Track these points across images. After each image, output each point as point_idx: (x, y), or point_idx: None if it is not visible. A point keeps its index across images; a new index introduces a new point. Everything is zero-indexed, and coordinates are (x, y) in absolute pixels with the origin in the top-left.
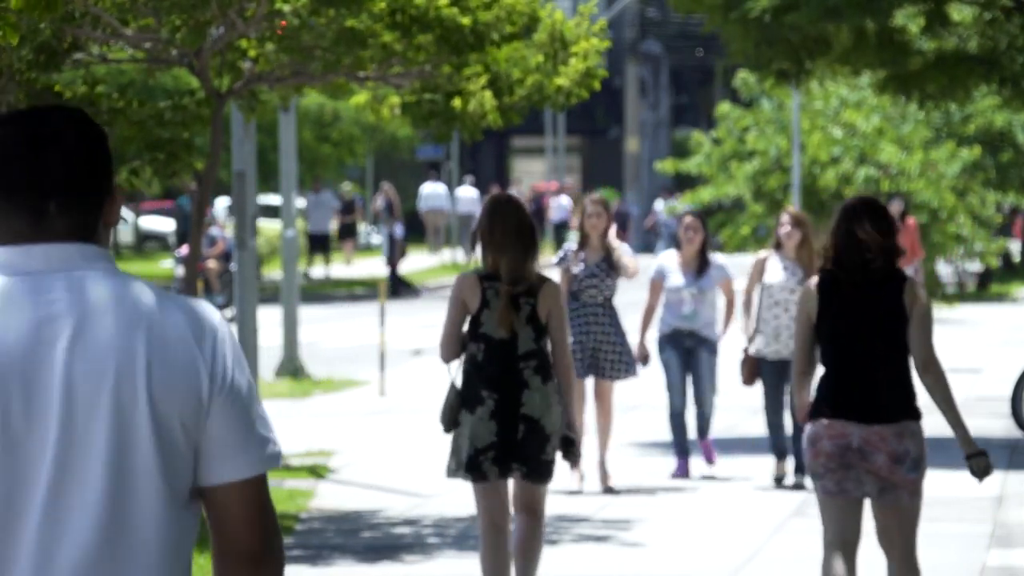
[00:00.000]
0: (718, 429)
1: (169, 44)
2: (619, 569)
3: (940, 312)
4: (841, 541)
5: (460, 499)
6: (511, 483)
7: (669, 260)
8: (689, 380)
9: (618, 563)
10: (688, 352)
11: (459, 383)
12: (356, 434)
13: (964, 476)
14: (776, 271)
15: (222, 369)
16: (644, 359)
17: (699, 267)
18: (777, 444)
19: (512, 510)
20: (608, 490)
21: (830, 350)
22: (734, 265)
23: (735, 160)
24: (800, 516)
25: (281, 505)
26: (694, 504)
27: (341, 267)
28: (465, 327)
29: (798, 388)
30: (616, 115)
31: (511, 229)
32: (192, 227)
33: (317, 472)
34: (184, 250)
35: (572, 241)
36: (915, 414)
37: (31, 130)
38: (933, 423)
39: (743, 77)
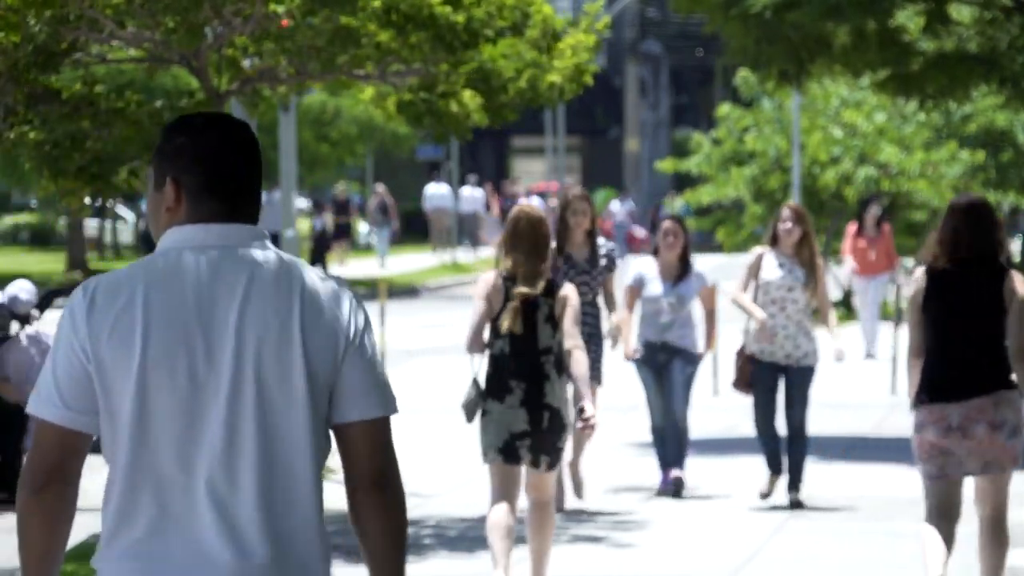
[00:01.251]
0: (718, 429)
1: (167, 43)
2: (618, 569)
3: None
4: (941, 517)
5: (460, 499)
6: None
7: (648, 267)
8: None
9: (617, 563)
10: (662, 366)
11: (481, 377)
12: None
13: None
14: (772, 268)
15: (354, 330)
16: (630, 356)
17: (679, 274)
18: (770, 456)
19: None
20: (576, 501)
21: (931, 337)
22: (733, 266)
23: (734, 162)
24: (800, 516)
25: None
26: (694, 504)
27: (335, 267)
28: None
29: (910, 372)
30: (616, 115)
31: (528, 238)
32: None
33: None
34: None
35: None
36: (1010, 384)
37: (229, 135)
38: None
39: (744, 76)
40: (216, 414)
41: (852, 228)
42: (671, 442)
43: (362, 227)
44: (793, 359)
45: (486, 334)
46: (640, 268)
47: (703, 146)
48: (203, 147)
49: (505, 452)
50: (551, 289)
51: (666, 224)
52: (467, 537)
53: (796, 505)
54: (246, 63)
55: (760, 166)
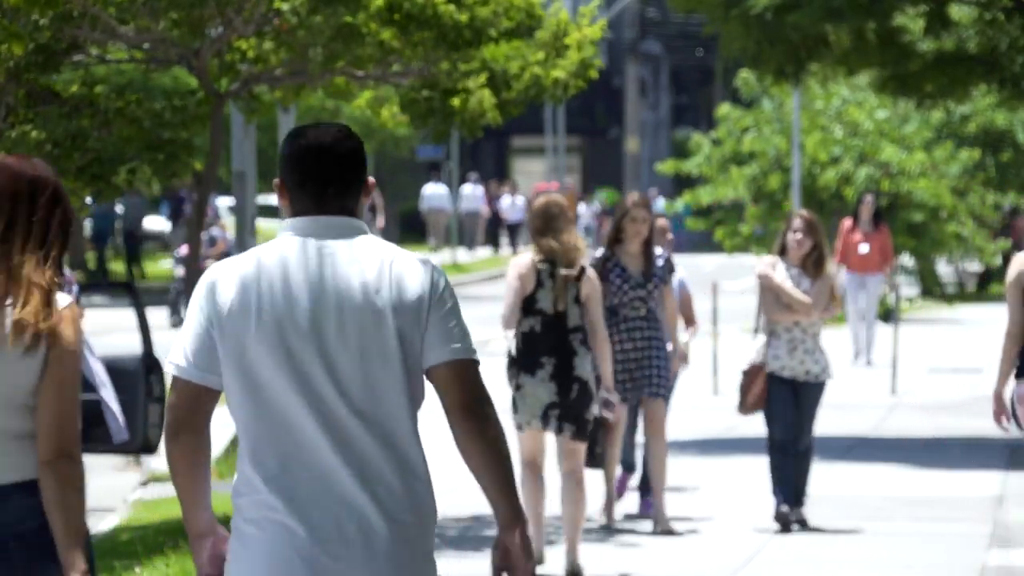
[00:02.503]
0: (717, 429)
1: (168, 43)
2: (619, 569)
3: (940, 312)
4: None
5: (459, 499)
6: (553, 440)
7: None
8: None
9: (618, 563)
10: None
11: (514, 351)
12: None
13: (964, 476)
14: (783, 279)
15: (435, 292)
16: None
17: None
18: (784, 484)
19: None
20: (667, 531)
21: None
22: (734, 267)
23: (734, 162)
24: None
25: None
26: (693, 504)
27: None
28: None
29: (1006, 348)
30: (616, 115)
31: (561, 222)
32: (192, 227)
33: None
34: (184, 250)
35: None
36: None
37: (316, 142)
38: (937, 424)
39: (744, 77)
40: (320, 369)
41: (847, 223)
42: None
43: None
44: (812, 375)
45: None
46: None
47: (703, 147)
48: (298, 153)
49: (542, 421)
50: (581, 272)
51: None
52: (467, 537)
53: (802, 523)
54: (244, 67)
55: (760, 166)
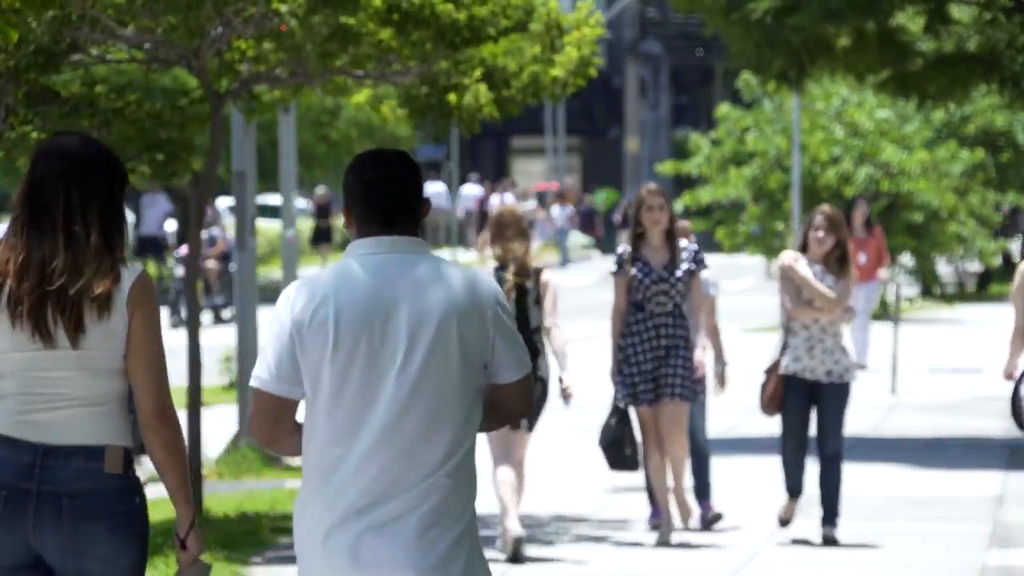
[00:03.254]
0: (718, 429)
1: (167, 44)
2: (619, 569)
3: (940, 312)
4: None
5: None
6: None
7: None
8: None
9: (618, 563)
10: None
11: None
12: None
13: (964, 476)
14: (805, 274)
15: (498, 317)
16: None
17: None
18: (791, 478)
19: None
20: (664, 543)
21: None
22: (733, 266)
23: (734, 163)
24: (800, 516)
25: (282, 505)
26: (693, 504)
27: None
28: None
29: (1012, 348)
30: (616, 115)
31: (513, 230)
32: (192, 227)
33: None
34: (184, 250)
35: (624, 244)
36: None
37: (381, 172)
38: (937, 424)
39: (746, 79)
40: (392, 388)
41: None
42: (697, 467)
43: None
44: (834, 375)
45: None
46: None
47: (702, 148)
48: (364, 186)
49: None
50: (537, 275)
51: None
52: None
53: (831, 542)
54: (244, 67)
55: (760, 166)
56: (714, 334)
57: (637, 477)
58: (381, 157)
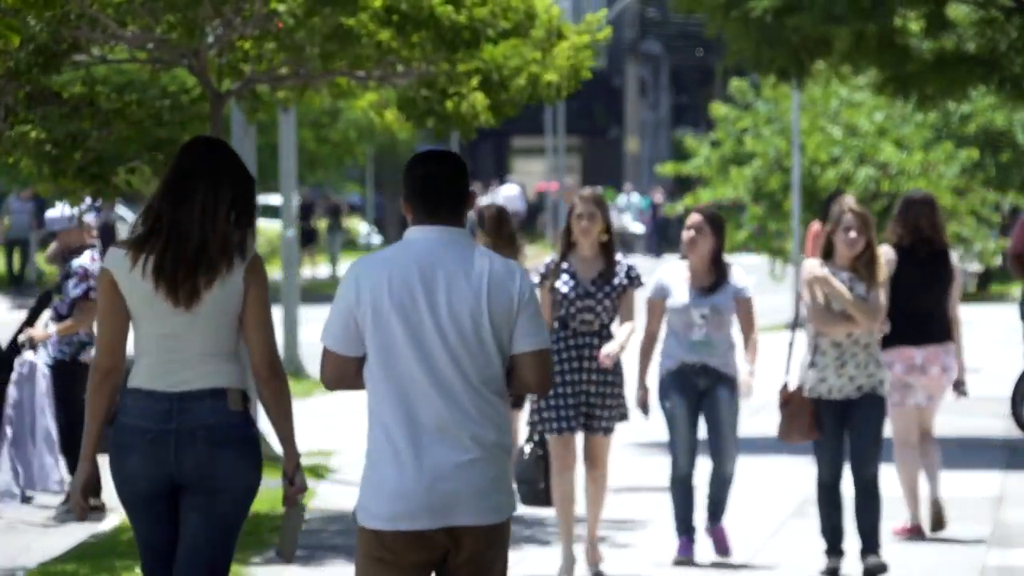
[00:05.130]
0: None
1: (168, 44)
2: (619, 569)
3: None
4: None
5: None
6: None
7: (673, 273)
8: (697, 429)
9: (618, 563)
10: (701, 395)
11: None
12: (356, 434)
13: (964, 476)
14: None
15: (523, 295)
16: (644, 406)
17: (713, 281)
18: (833, 530)
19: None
20: (597, 574)
21: None
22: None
23: (734, 163)
24: (800, 516)
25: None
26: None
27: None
28: None
29: None
30: (616, 115)
31: (492, 228)
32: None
33: (317, 472)
34: None
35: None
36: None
37: (433, 167)
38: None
39: (737, 84)
40: (433, 349)
41: (815, 227)
42: (711, 489)
43: (362, 227)
44: (866, 389)
45: None
46: (664, 274)
47: (699, 149)
48: (420, 180)
49: None
50: None
51: (691, 218)
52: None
53: (878, 570)
54: (247, 67)
55: (760, 166)
56: (752, 350)
57: (639, 477)
58: (432, 156)
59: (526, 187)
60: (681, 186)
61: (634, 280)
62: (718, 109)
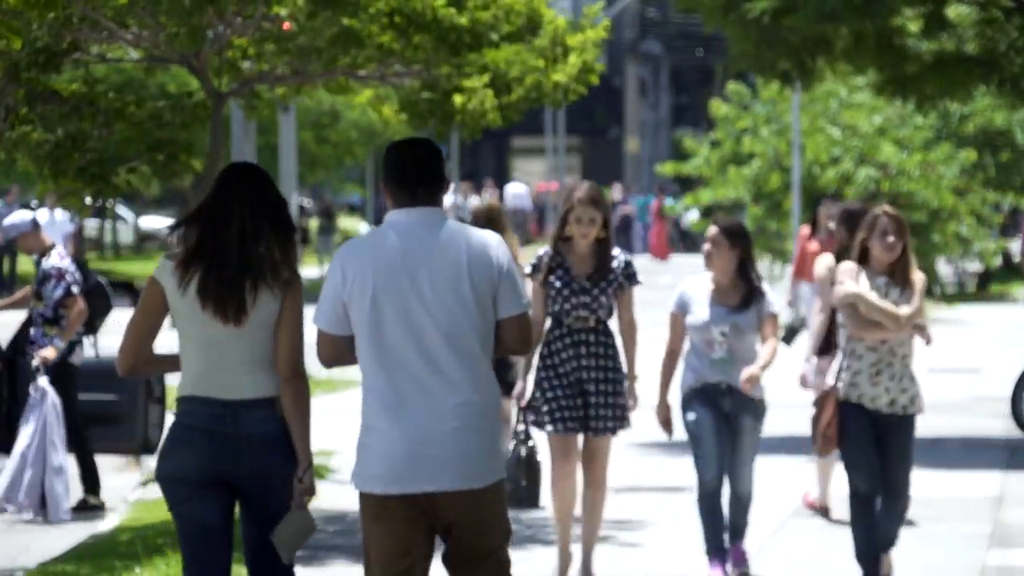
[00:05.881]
0: None
1: (168, 45)
2: (619, 569)
3: (940, 312)
4: None
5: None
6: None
7: (696, 287)
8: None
9: (618, 563)
10: (726, 417)
11: None
12: (356, 434)
13: (964, 476)
14: (868, 290)
15: (502, 265)
16: (666, 424)
17: (741, 298)
18: (864, 555)
19: None
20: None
21: None
22: None
23: (734, 163)
24: (800, 516)
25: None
26: (692, 504)
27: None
28: None
29: None
30: (616, 115)
31: (495, 230)
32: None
33: (317, 472)
34: None
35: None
36: None
37: (408, 153)
38: (937, 424)
39: (735, 88)
40: (418, 322)
41: (804, 230)
42: (735, 508)
43: (362, 228)
44: (899, 406)
45: None
46: (687, 287)
47: (698, 151)
48: (398, 164)
49: None
50: None
51: (710, 232)
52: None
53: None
54: (246, 65)
55: (760, 166)
56: (770, 351)
57: (640, 477)
58: (408, 143)
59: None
60: (682, 185)
61: (631, 277)
62: (719, 108)
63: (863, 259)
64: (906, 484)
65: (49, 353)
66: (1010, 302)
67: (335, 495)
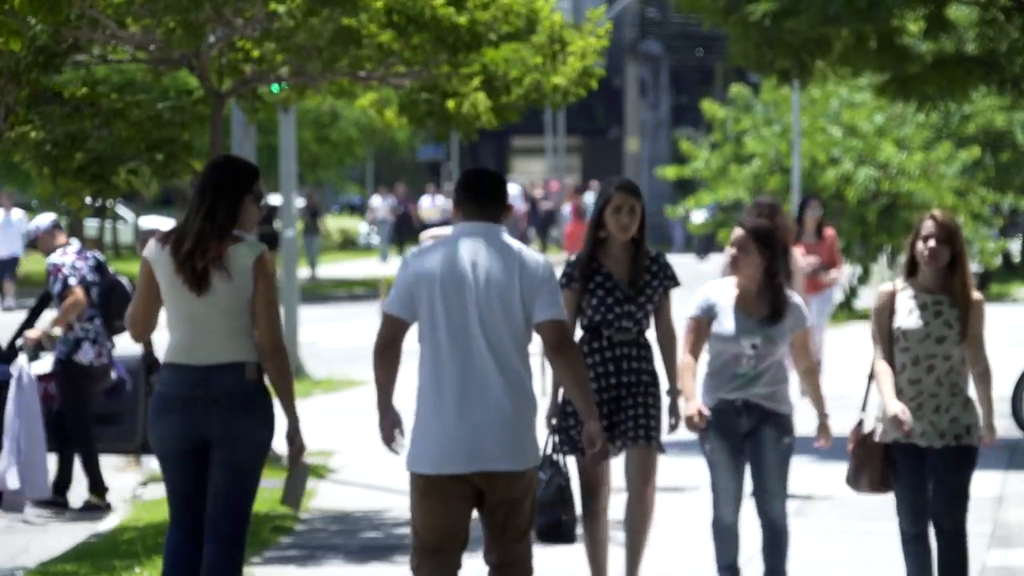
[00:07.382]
0: None
1: (168, 45)
2: (619, 569)
3: None
4: None
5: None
6: None
7: (720, 292)
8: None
9: (618, 563)
10: (745, 437)
11: None
12: (356, 434)
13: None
14: (910, 311)
15: (546, 274)
16: (701, 419)
17: (771, 308)
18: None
19: None
20: None
21: None
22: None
23: (734, 164)
24: (800, 516)
25: (282, 506)
26: (694, 504)
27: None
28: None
29: None
30: (616, 115)
31: None
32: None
33: (317, 472)
34: None
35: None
36: None
37: (481, 178)
38: None
39: (737, 90)
40: (474, 321)
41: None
42: (768, 548)
43: (362, 228)
44: (949, 437)
45: None
46: (710, 292)
47: (698, 154)
48: (467, 184)
49: None
50: None
51: (735, 235)
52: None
53: None
54: (248, 67)
55: (760, 167)
56: (812, 375)
57: None
58: (479, 171)
59: (531, 186)
60: (683, 186)
61: (672, 278)
62: (711, 108)
63: (913, 270)
64: (962, 521)
65: (33, 334)
66: (1010, 302)
67: (335, 495)
